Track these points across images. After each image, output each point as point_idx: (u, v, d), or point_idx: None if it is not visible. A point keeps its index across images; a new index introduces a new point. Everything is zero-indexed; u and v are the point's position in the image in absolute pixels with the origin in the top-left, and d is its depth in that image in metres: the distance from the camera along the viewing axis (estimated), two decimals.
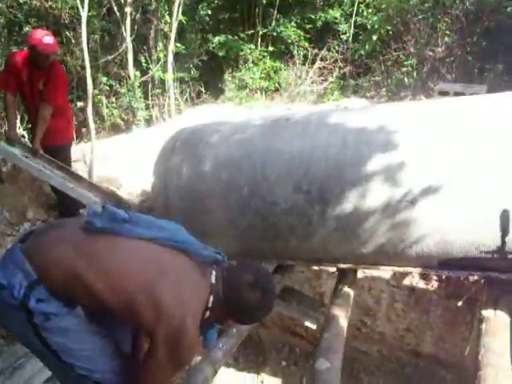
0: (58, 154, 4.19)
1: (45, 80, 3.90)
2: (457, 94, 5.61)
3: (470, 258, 2.13)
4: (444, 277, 4.05)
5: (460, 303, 2.59)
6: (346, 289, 2.51)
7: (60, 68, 4.14)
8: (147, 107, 10.01)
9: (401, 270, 2.44)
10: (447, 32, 8.59)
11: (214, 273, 1.59)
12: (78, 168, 5.80)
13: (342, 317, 2.25)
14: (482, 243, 2.07)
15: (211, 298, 1.55)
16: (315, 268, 4.13)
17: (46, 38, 3.77)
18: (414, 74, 9.03)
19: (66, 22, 9.37)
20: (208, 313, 1.55)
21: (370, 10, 11.35)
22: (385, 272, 4.22)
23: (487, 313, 2.28)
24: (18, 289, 1.43)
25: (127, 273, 1.47)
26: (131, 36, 9.29)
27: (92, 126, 6.02)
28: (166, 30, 10.04)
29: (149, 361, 1.48)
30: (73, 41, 9.52)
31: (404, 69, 9.36)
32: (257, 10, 12.08)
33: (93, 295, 1.44)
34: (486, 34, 8.02)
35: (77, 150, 6.53)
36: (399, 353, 4.17)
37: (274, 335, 4.57)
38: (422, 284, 4.16)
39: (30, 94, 3.98)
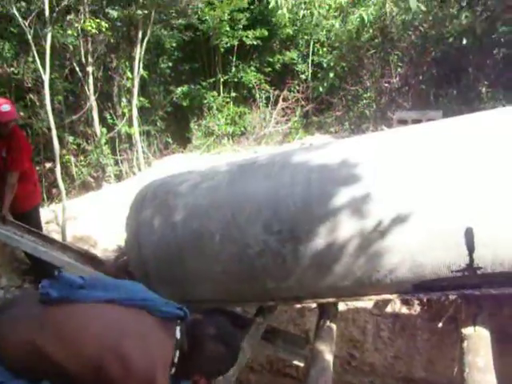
0: (28, 218, 4.14)
1: (7, 147, 3.86)
2: (414, 121, 5.83)
3: (443, 279, 2.18)
4: (425, 300, 4.10)
5: (440, 324, 2.62)
6: (328, 323, 2.52)
7: (21, 134, 4.12)
8: (116, 162, 10.03)
9: (379, 298, 2.47)
10: (399, 64, 8.98)
11: (178, 328, 1.60)
12: (51, 229, 5.73)
13: (327, 351, 2.26)
14: (453, 263, 2.13)
15: (177, 353, 1.56)
16: (298, 306, 4.13)
17: (4, 106, 3.75)
18: (374, 105, 9.34)
19: (29, 85, 9.43)
20: (174, 369, 1.55)
21: (324, 49, 11.78)
22: (367, 302, 4.25)
23: (467, 330, 2.32)
24: None
25: (89, 338, 1.47)
26: (95, 94, 9.41)
27: (62, 186, 5.98)
28: (128, 85, 10.19)
29: None
30: (37, 103, 9.56)
31: (363, 102, 9.68)
32: (216, 58, 12.39)
33: (57, 367, 1.44)
34: (434, 63, 8.43)
35: (48, 212, 6.46)
36: (391, 381, 4.15)
37: (265, 379, 4.49)
38: (404, 309, 4.19)
39: None
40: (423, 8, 6.81)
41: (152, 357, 1.47)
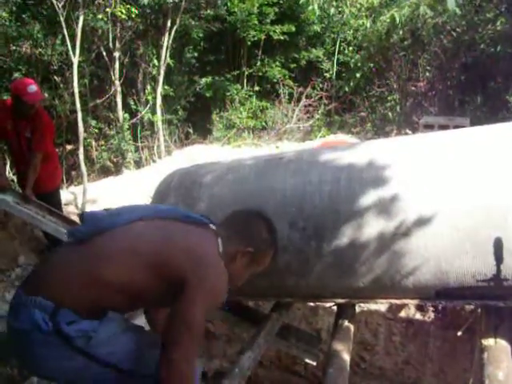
0: (49, 199, 4.19)
1: (31, 128, 3.90)
2: (441, 126, 5.76)
3: (467, 287, 2.15)
4: (440, 307, 4.06)
5: (460, 333, 2.59)
6: (346, 323, 2.50)
7: (45, 115, 4.14)
8: (136, 149, 10.11)
9: (398, 302, 2.44)
10: (427, 67, 8.89)
11: (209, 222, 1.74)
12: (70, 211, 5.80)
13: (344, 352, 2.24)
14: (478, 272, 2.09)
15: (219, 240, 1.67)
16: (311, 304, 4.12)
17: (31, 87, 3.77)
18: (398, 108, 9.28)
19: (55, 67, 9.53)
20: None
21: (350, 48, 11.70)
22: (381, 305, 4.22)
23: (487, 341, 2.28)
24: (44, 323, 1.40)
25: (143, 243, 1.53)
26: (120, 80, 9.48)
27: (84, 169, 6.06)
28: (154, 73, 10.24)
29: (183, 305, 1.48)
30: (61, 85, 9.66)
31: (388, 104, 9.60)
32: (242, 51, 12.39)
33: (122, 288, 1.47)
34: (464, 69, 8.31)
35: (67, 194, 6.54)
36: None
37: (273, 375, 4.49)
38: (418, 315, 4.16)
39: (17, 142, 3.99)
40: (459, 11, 6.71)
41: (207, 243, 1.61)
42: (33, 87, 3.78)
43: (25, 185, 3.93)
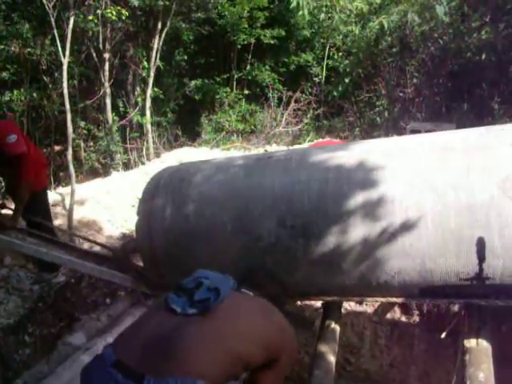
0: (36, 199, 4.17)
1: (13, 162, 3.76)
2: (428, 132, 5.83)
3: (451, 286, 2.19)
4: (425, 310, 4.10)
5: (443, 335, 2.62)
6: (333, 325, 2.52)
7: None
8: (125, 151, 10.07)
9: (384, 300, 2.48)
10: (415, 74, 8.99)
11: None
12: (57, 212, 5.77)
13: (330, 353, 2.26)
14: (461, 271, 2.14)
15: None
16: (298, 306, 4.14)
17: (10, 137, 3.60)
18: (386, 113, 9.36)
19: (44, 67, 9.48)
20: None
21: (340, 54, 11.79)
22: (367, 307, 4.25)
23: (470, 343, 2.32)
24: None
25: (254, 324, 1.52)
26: (109, 81, 9.45)
27: (72, 170, 6.02)
28: (143, 75, 10.22)
29: (275, 377, 1.58)
30: (50, 86, 9.61)
31: (376, 109, 9.69)
32: (232, 54, 12.42)
33: (247, 362, 1.45)
34: (450, 76, 8.43)
35: (55, 195, 6.50)
36: None
37: None
38: (404, 318, 4.20)
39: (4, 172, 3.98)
40: (446, 19, 6.82)
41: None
42: (12, 137, 3.60)
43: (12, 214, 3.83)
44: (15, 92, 9.21)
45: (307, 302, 4.03)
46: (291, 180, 2.37)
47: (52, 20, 6.08)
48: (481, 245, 2.07)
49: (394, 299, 2.43)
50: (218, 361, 1.35)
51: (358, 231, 2.22)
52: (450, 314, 3.81)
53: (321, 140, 8.76)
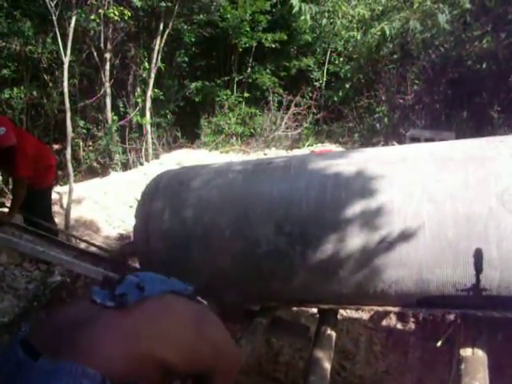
0: (36, 197, 4.17)
1: (7, 158, 3.75)
2: (427, 140, 5.85)
3: (447, 296, 2.19)
4: (421, 318, 4.10)
5: (439, 344, 2.62)
6: (329, 331, 2.52)
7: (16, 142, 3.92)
8: (124, 151, 10.06)
9: (380, 309, 2.48)
10: (416, 81, 9.01)
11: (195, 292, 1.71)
12: (55, 211, 5.75)
13: (326, 359, 2.26)
14: (458, 281, 2.14)
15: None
16: (295, 310, 4.14)
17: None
18: (386, 120, 9.37)
19: (45, 65, 9.47)
20: None
21: (341, 59, 11.82)
22: (363, 314, 4.25)
23: (465, 352, 2.32)
24: None
25: (180, 329, 1.47)
26: (110, 81, 9.44)
27: (70, 169, 6.01)
28: (144, 75, 10.22)
29: None
30: (50, 84, 9.60)
31: (376, 115, 9.70)
32: (233, 57, 12.44)
33: (164, 367, 1.37)
34: (451, 84, 8.45)
35: (53, 193, 6.48)
36: None
37: (254, 382, 4.49)
38: (399, 325, 4.20)
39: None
40: (448, 27, 6.84)
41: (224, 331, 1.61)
42: (1, 130, 3.60)
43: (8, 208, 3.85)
44: (15, 90, 9.20)
45: (303, 308, 4.03)
46: (290, 187, 2.37)
47: (54, 19, 6.07)
48: (478, 256, 2.07)
49: (390, 308, 2.43)
50: (123, 357, 1.31)
51: (356, 239, 2.22)
52: (445, 323, 3.81)
53: (320, 147, 8.78)
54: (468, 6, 6.51)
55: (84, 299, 1.50)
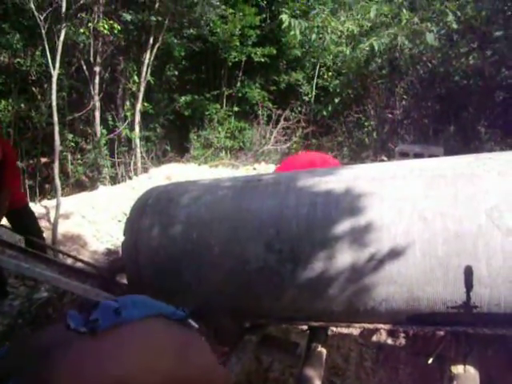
0: (14, 216, 4.19)
1: None
2: (416, 155, 5.90)
3: (438, 314, 2.18)
4: (411, 333, 4.09)
5: (430, 361, 2.61)
6: (319, 348, 2.50)
7: (6, 148, 4.01)
8: (113, 165, 10.01)
9: (371, 326, 2.46)
10: (404, 96, 9.11)
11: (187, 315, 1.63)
12: (42, 226, 5.67)
13: (316, 378, 2.24)
14: (449, 299, 2.13)
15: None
16: (284, 328, 4.10)
17: None
18: (374, 134, 9.45)
19: (34, 78, 9.44)
20: None
21: (330, 74, 11.92)
22: (353, 330, 4.23)
23: (457, 369, 2.31)
24: None
25: (158, 355, 1.36)
26: (99, 94, 9.42)
27: (58, 183, 5.95)
28: (133, 89, 10.22)
29: None
30: (39, 97, 9.57)
31: (365, 129, 9.78)
32: (222, 71, 12.50)
33: None
34: (438, 99, 8.56)
35: (40, 207, 6.41)
36: None
37: None
38: (390, 341, 4.18)
39: None
40: (436, 44, 6.94)
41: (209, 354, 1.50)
42: None
43: None
44: (3, 102, 9.15)
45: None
46: (280, 204, 2.36)
47: (43, 32, 6.07)
48: (468, 273, 2.07)
49: (381, 326, 2.42)
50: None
51: (346, 257, 2.21)
52: (436, 338, 3.80)
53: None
54: (455, 26, 6.63)
55: (61, 323, 1.41)
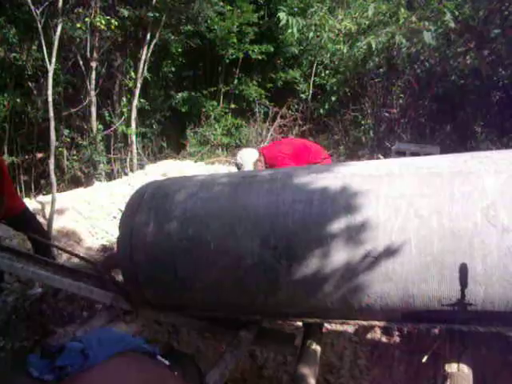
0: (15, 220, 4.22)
1: None
2: (413, 153, 5.91)
3: (433, 311, 2.18)
4: (406, 331, 4.10)
5: (425, 359, 2.61)
6: (314, 346, 2.50)
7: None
8: (109, 161, 9.98)
9: (365, 323, 2.46)
10: (401, 95, 9.12)
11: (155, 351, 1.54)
12: None
13: (311, 375, 2.24)
14: (443, 296, 2.13)
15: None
16: (279, 324, 4.10)
17: None
18: (371, 133, 9.45)
19: (30, 73, 9.39)
20: None
21: (327, 72, 11.91)
22: (347, 327, 4.23)
23: (451, 368, 2.32)
24: None
25: None
26: (95, 90, 9.39)
27: (53, 179, 5.93)
28: (130, 85, 10.18)
29: None
30: (35, 92, 9.52)
31: (361, 127, 9.78)
32: (219, 68, 12.47)
33: None
34: (435, 98, 8.57)
35: (35, 203, 6.39)
36: None
37: None
38: (384, 339, 4.19)
39: None
40: (433, 43, 6.94)
41: None
42: None
43: None
44: None
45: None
46: (276, 200, 2.35)
47: (39, 26, 6.03)
48: (463, 271, 2.07)
49: (376, 323, 2.42)
50: None
51: (342, 254, 2.21)
52: (430, 336, 3.81)
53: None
54: (452, 25, 6.63)
55: (20, 371, 1.32)
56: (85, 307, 4.18)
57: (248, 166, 4.25)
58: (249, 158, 4.33)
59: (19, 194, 7.72)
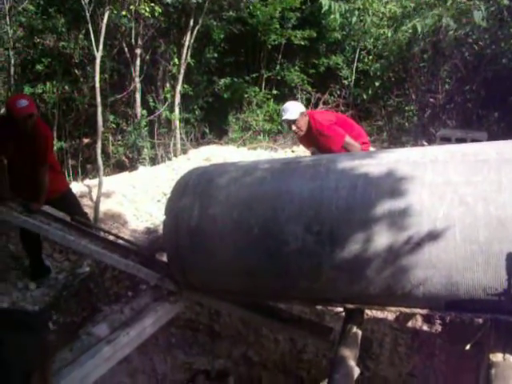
0: (59, 202, 4.30)
1: (31, 143, 3.85)
2: (458, 139, 5.75)
3: (477, 300, 2.16)
4: (448, 320, 4.04)
5: (468, 347, 2.58)
6: (355, 329, 2.51)
7: (43, 128, 4.07)
8: (152, 146, 10.18)
9: (408, 310, 2.46)
10: (447, 80, 8.84)
11: None
12: (84, 204, 5.87)
13: (351, 357, 2.26)
14: (489, 285, 2.11)
15: None
16: (319, 309, 4.13)
17: (20, 101, 3.73)
18: (415, 119, 9.23)
19: (77, 61, 9.66)
20: None
21: (370, 57, 11.67)
22: (388, 314, 4.21)
23: (496, 357, 2.28)
24: None
25: None
26: (140, 76, 9.56)
27: (100, 163, 6.11)
28: (173, 71, 10.30)
29: None
30: (82, 79, 9.79)
31: (405, 114, 9.56)
32: (261, 54, 12.42)
33: None
34: (484, 83, 8.26)
35: (82, 186, 6.62)
36: None
37: (277, 379, 4.50)
38: (425, 327, 4.14)
39: (18, 156, 3.95)
40: (484, 24, 6.68)
41: None
42: (22, 102, 3.72)
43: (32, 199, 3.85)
44: (48, 84, 9.42)
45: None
46: (320, 186, 2.37)
47: (87, 15, 6.19)
48: (510, 260, 2.03)
49: (418, 310, 2.41)
50: None
51: (384, 240, 2.20)
52: (473, 326, 3.75)
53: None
54: (506, 2, 6.32)
55: None
56: (130, 287, 4.32)
57: (293, 114, 4.24)
58: (298, 107, 4.37)
59: (67, 178, 7.97)
